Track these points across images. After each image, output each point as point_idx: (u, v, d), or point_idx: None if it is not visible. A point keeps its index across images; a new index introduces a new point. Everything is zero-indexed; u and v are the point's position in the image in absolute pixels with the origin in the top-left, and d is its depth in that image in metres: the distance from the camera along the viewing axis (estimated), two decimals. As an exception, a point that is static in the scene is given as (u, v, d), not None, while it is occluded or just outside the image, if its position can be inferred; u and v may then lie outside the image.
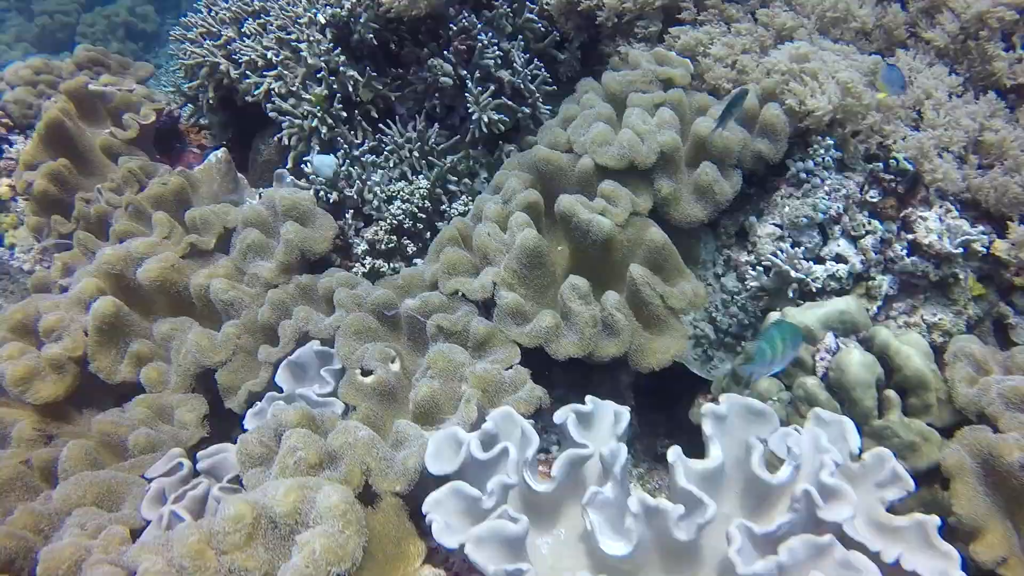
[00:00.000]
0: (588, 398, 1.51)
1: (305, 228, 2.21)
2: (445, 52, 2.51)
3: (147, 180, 2.54)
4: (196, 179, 2.57)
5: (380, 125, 2.56)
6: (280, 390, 1.90)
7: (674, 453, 1.30)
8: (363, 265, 2.32)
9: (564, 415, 1.44)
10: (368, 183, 2.40)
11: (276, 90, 2.44)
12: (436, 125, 2.56)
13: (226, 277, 2.16)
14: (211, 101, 2.71)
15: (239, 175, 2.71)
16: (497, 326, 1.85)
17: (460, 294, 1.95)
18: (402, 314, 1.94)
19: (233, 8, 2.63)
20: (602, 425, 1.47)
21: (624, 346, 1.82)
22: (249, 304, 2.11)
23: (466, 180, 2.57)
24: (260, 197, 2.47)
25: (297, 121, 2.44)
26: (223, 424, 2.08)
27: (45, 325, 2.08)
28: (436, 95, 2.57)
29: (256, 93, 2.48)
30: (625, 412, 1.43)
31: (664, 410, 2.28)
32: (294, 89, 2.45)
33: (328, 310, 2.15)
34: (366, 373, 1.78)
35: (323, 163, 2.35)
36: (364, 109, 2.56)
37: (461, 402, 1.55)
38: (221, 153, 2.63)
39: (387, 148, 2.52)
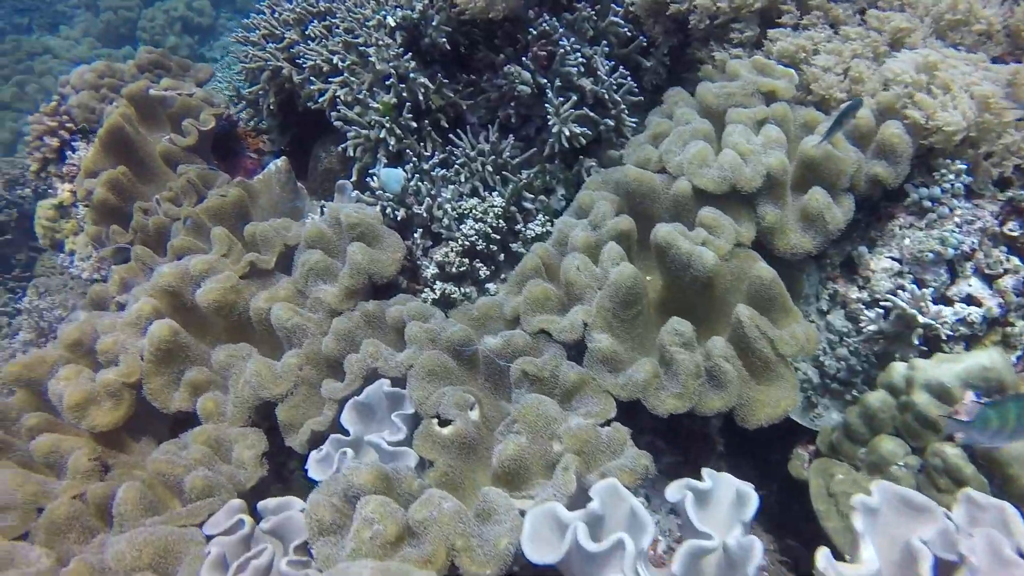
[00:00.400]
0: (706, 472, 1.32)
1: (372, 249, 2.05)
2: (523, 58, 2.32)
3: (205, 190, 2.41)
4: (255, 189, 2.44)
5: (450, 136, 2.39)
6: (346, 432, 1.75)
7: (824, 559, 1.10)
8: (433, 291, 2.15)
9: (679, 493, 1.25)
10: (438, 199, 2.23)
11: (342, 97, 2.28)
12: (511, 136, 2.38)
13: (287, 301, 2.02)
14: (271, 106, 2.57)
15: (298, 184, 2.57)
16: (589, 372, 1.66)
17: (545, 332, 1.77)
18: (481, 354, 1.77)
19: (297, 9, 2.48)
20: (721, 504, 1.28)
21: (731, 400, 1.62)
22: (312, 332, 1.96)
23: (542, 197, 2.38)
24: (322, 211, 2.32)
25: (363, 131, 2.28)
26: (281, 454, 1.95)
27: (102, 347, 1.96)
28: (512, 104, 2.38)
29: (320, 100, 2.32)
30: (752, 495, 1.23)
31: (747, 450, 2.08)
32: (360, 97, 2.28)
33: (396, 339, 1.99)
34: (443, 422, 1.61)
35: (391, 177, 2.19)
36: (433, 118, 2.39)
37: (558, 469, 1.37)
38: (281, 162, 2.48)
39: (458, 161, 2.34)
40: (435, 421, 1.61)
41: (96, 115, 2.72)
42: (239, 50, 2.62)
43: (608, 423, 1.55)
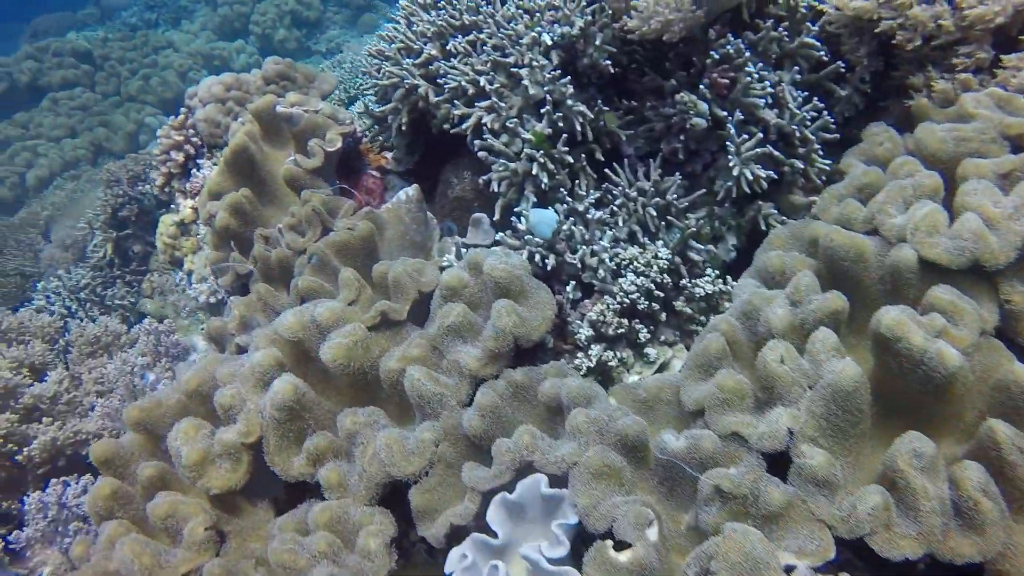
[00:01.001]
0: None
1: (520, 309, 1.78)
2: (700, 85, 1.99)
3: (331, 218, 2.20)
4: (383, 220, 2.21)
5: (605, 170, 2.09)
6: (492, 533, 1.49)
7: None
8: (587, 356, 1.87)
9: None
10: (594, 247, 1.94)
11: (488, 125, 2.01)
12: (677, 175, 2.06)
13: (422, 362, 1.77)
14: (403, 127, 2.34)
15: (428, 214, 2.33)
16: (798, 494, 1.34)
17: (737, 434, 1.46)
18: (656, 451, 1.47)
19: (438, 22, 2.22)
20: None
21: (990, 547, 1.26)
22: (450, 402, 1.71)
23: (710, 246, 2.06)
24: (458, 252, 2.07)
25: (511, 165, 2.01)
26: (402, 521, 1.72)
27: (221, 401, 1.78)
28: (680, 136, 2.06)
29: (463, 127, 2.06)
30: None
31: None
32: (510, 125, 2.01)
33: (547, 416, 1.72)
34: (619, 543, 1.33)
35: (543, 220, 1.91)
36: (587, 149, 2.10)
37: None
38: (412, 192, 2.25)
39: (616, 202, 2.04)
40: (609, 543, 1.33)
41: (221, 130, 2.57)
42: (371, 63, 2.40)
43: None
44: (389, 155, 2.63)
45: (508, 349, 1.76)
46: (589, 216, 1.99)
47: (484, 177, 2.10)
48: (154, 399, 1.88)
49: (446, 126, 2.26)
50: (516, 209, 2.04)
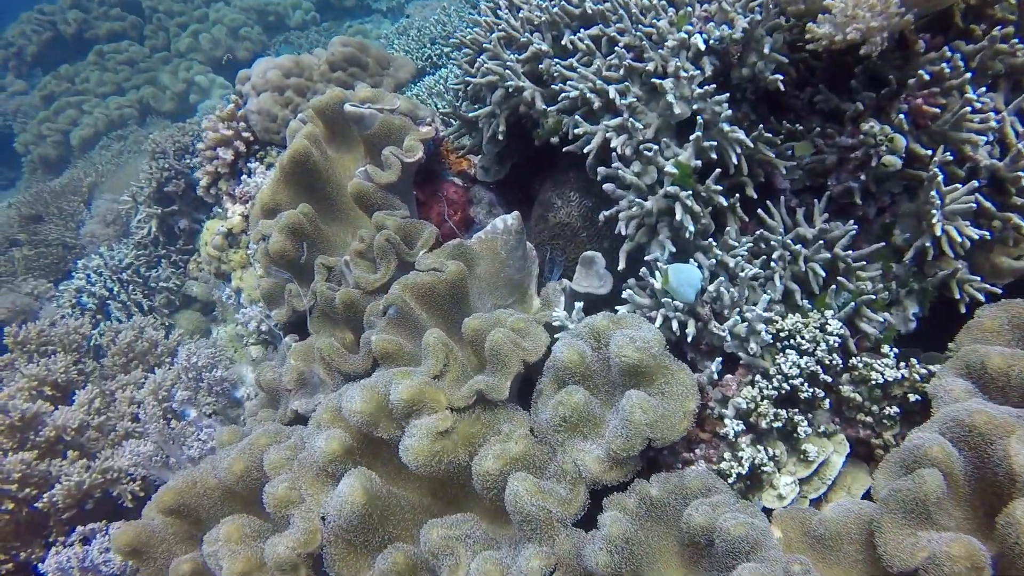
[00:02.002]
0: None
1: (656, 402, 1.38)
2: (897, 112, 1.53)
3: (407, 249, 1.81)
4: (474, 254, 1.81)
5: (759, 212, 1.66)
6: None
7: None
8: (737, 459, 1.45)
9: None
10: (746, 314, 1.52)
11: (618, 149, 1.58)
12: (851, 223, 1.61)
13: (527, 461, 1.39)
14: (500, 135, 1.92)
15: (527, 244, 1.92)
16: None
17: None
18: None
19: (552, 9, 1.78)
20: None
21: None
22: (564, 521, 1.33)
23: (886, 314, 1.61)
24: (567, 302, 1.66)
25: (646, 204, 1.57)
26: None
27: (273, 498, 1.42)
28: (861, 175, 1.60)
29: (585, 150, 1.63)
30: None
31: None
32: (646, 151, 1.58)
33: (691, 548, 1.32)
34: None
35: (687, 281, 1.49)
36: (736, 182, 1.66)
37: None
38: (512, 221, 1.84)
39: (774, 254, 1.61)
40: None
41: (278, 124, 2.18)
42: (462, 56, 1.97)
43: None
44: (475, 159, 2.21)
45: (639, 448, 1.36)
46: (742, 273, 1.56)
47: (607, 213, 1.67)
48: (190, 479, 1.53)
49: (554, 140, 1.84)
50: (647, 257, 1.62)
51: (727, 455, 1.47)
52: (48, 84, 7.03)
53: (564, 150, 1.76)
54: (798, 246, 1.61)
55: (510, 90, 1.85)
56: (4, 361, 2.53)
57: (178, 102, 7.12)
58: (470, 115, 1.93)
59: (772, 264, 1.61)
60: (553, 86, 1.75)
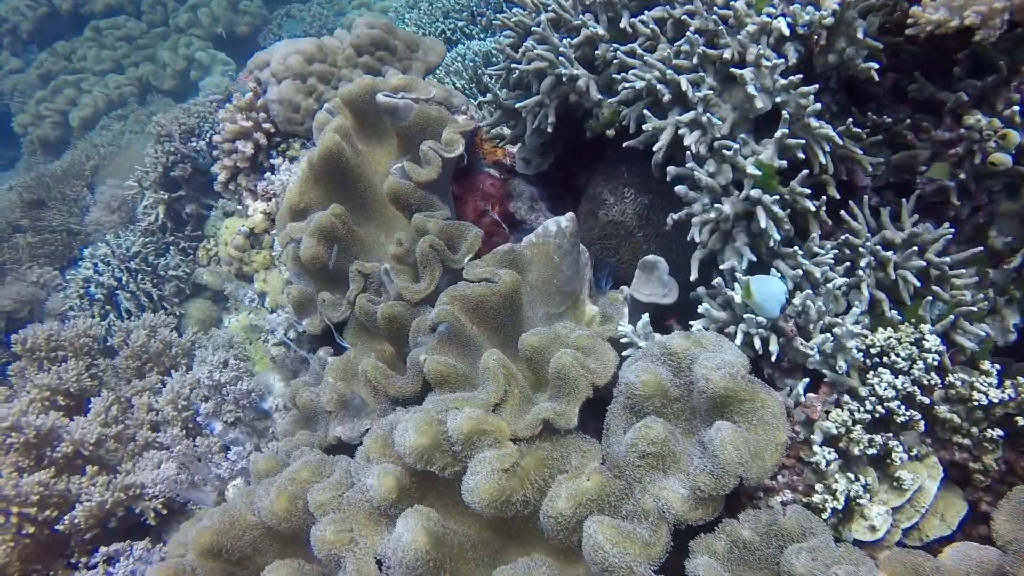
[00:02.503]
0: None
1: (749, 436, 1.24)
2: (1002, 104, 1.37)
3: (451, 255, 1.66)
4: (525, 260, 1.66)
5: (842, 212, 1.50)
6: None
7: None
8: (831, 492, 1.32)
9: None
10: (834, 330, 1.37)
11: (693, 147, 1.42)
12: (947, 225, 1.46)
13: (602, 501, 1.26)
14: (548, 127, 1.75)
15: (582, 247, 1.77)
16: None
17: None
18: None
19: (609, -13, 1.61)
20: None
21: None
22: (647, 567, 1.20)
23: (983, 325, 1.47)
24: (639, 329, 1.51)
25: (724, 208, 1.42)
26: None
27: (321, 542, 1.29)
28: (959, 171, 1.45)
29: (656, 148, 1.47)
30: None
31: None
32: (724, 151, 1.42)
33: (787, 600, 1.19)
34: None
35: (772, 295, 1.34)
36: (818, 181, 1.50)
37: None
38: (567, 224, 1.68)
39: (862, 261, 1.45)
40: None
41: (301, 115, 2.01)
42: (506, 41, 1.80)
43: None
44: (511, 148, 2.04)
45: (729, 489, 1.22)
46: (829, 285, 1.41)
47: (675, 216, 1.51)
48: (227, 518, 1.40)
49: (610, 132, 1.68)
50: (723, 266, 1.47)
51: (818, 487, 1.33)
52: (44, 62, 6.82)
53: (624, 145, 1.60)
54: (887, 252, 1.46)
55: (562, 78, 1.68)
56: (15, 370, 2.40)
57: (179, 79, 6.90)
58: (515, 105, 1.76)
59: (858, 272, 1.46)
60: (612, 74, 1.58)
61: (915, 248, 1.45)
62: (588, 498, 1.25)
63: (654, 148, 1.46)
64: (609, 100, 1.59)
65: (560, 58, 1.64)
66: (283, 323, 1.95)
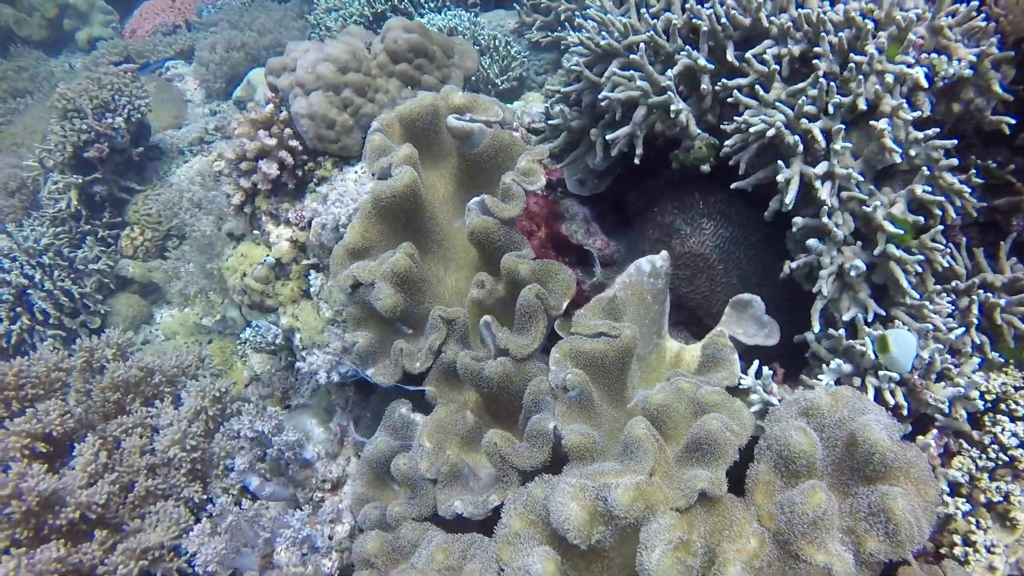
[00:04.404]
0: None
1: (906, 494, 1.25)
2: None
3: (551, 304, 1.55)
4: (622, 305, 1.58)
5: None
6: None
7: None
8: (971, 546, 1.36)
9: None
10: (960, 380, 1.40)
11: (825, 199, 1.38)
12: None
13: (773, 569, 1.23)
14: (636, 158, 1.66)
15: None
16: None
17: None
18: None
19: (717, 19, 1.51)
20: None
21: None
22: (828, 642, 1.19)
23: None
24: (761, 380, 1.47)
25: (858, 265, 1.39)
26: None
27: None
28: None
29: (787, 203, 1.41)
30: None
31: None
32: (867, 209, 1.38)
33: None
34: None
35: (908, 350, 1.34)
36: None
37: None
38: (661, 263, 1.61)
39: (962, 304, 1.48)
40: None
41: (335, 132, 1.78)
42: (582, 56, 1.67)
43: None
44: (557, 164, 1.93)
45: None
46: (952, 335, 1.43)
47: (794, 265, 1.48)
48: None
49: (705, 168, 1.61)
50: (844, 317, 1.45)
51: (955, 538, 1.38)
52: None
53: (733, 186, 1.54)
54: (991, 295, 1.50)
55: (655, 109, 1.58)
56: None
57: (50, 29, 6.11)
58: (608, 137, 1.64)
59: (969, 318, 1.50)
60: (708, 106, 1.51)
61: (1015, 290, 1.50)
62: (757, 562, 1.23)
63: (785, 200, 1.40)
64: (708, 138, 1.52)
65: (661, 90, 1.54)
66: (324, 365, 1.77)
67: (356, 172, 1.81)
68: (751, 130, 1.43)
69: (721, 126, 1.57)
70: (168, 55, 4.91)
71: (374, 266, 1.59)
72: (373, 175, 1.66)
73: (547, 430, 1.37)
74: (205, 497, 2.14)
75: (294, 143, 1.81)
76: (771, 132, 1.40)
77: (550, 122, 1.78)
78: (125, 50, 4.89)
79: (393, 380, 1.61)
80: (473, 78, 2.47)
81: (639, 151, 1.64)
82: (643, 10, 1.61)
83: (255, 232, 1.96)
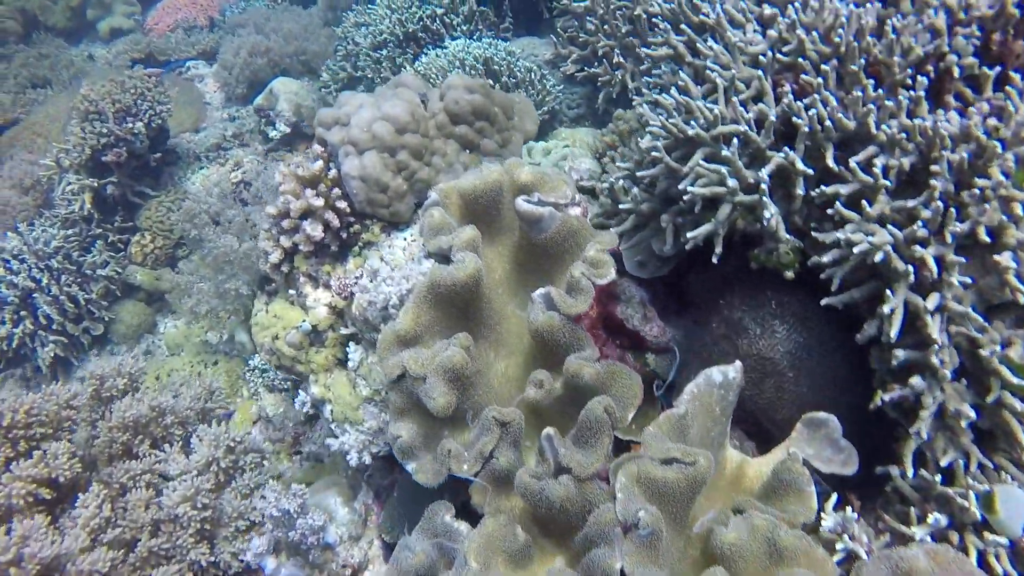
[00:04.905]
0: None
1: None
2: None
3: (617, 418, 1.42)
4: (688, 420, 1.45)
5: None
6: None
7: None
8: None
9: None
10: (1064, 543, 1.28)
11: (935, 336, 1.25)
12: None
13: None
14: (715, 257, 1.53)
15: (728, 388, 1.58)
16: None
17: None
18: None
19: (821, 121, 1.38)
20: None
21: None
22: None
23: None
24: (848, 528, 1.35)
25: (967, 412, 1.27)
26: None
27: None
28: None
29: (893, 337, 1.28)
30: None
31: None
32: (984, 354, 1.25)
33: None
34: None
35: (1017, 509, 1.22)
36: None
37: None
38: (735, 375, 1.49)
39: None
40: None
41: (388, 197, 1.64)
42: (661, 140, 1.54)
43: None
44: (634, 259, 1.80)
45: None
46: (1058, 490, 1.31)
47: (888, 398, 1.35)
48: None
49: (789, 275, 1.49)
50: (943, 462, 1.33)
51: None
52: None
53: (823, 303, 1.42)
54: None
55: (740, 208, 1.46)
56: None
57: (73, 17, 5.96)
58: (688, 235, 1.51)
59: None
60: (797, 208, 1.38)
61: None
62: None
63: (891, 334, 1.28)
64: (792, 238, 1.40)
65: (761, 197, 1.41)
66: (357, 445, 1.64)
67: (406, 239, 1.68)
68: (855, 250, 1.30)
69: (811, 231, 1.45)
70: (190, 55, 4.76)
71: (427, 358, 1.46)
72: (428, 253, 1.53)
73: (613, 570, 1.24)
74: (212, 560, 2.02)
75: (342, 204, 1.67)
76: (879, 256, 1.27)
77: (621, 205, 1.65)
78: (147, 47, 4.74)
79: (436, 482, 1.48)
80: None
81: (718, 250, 1.51)
82: (734, 97, 1.48)
83: (291, 291, 1.82)
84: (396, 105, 1.65)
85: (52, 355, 3.54)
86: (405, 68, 3.45)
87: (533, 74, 2.72)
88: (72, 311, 3.58)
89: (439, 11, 3.57)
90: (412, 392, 1.50)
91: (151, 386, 3.31)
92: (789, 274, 1.49)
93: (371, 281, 1.61)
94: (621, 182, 1.75)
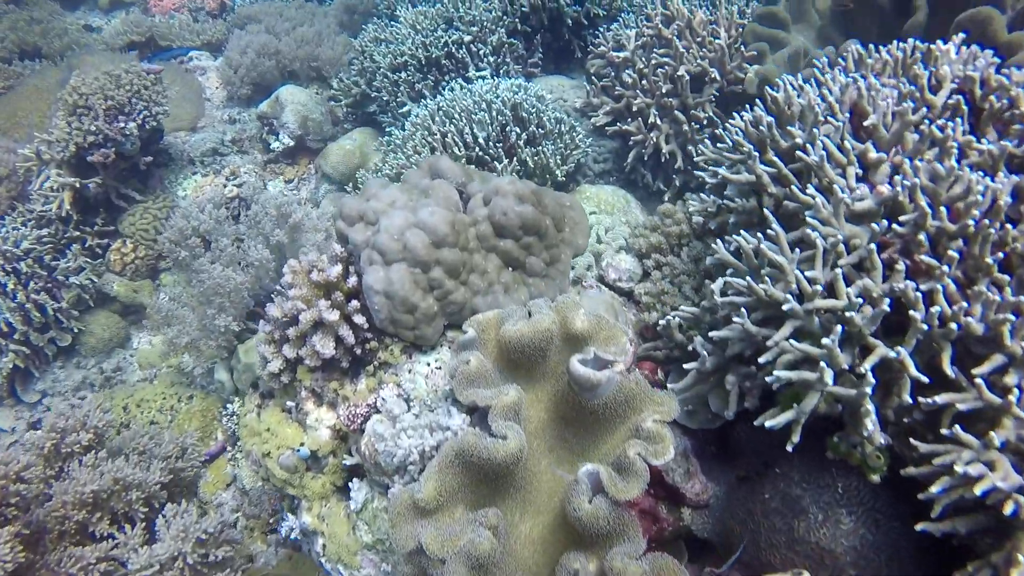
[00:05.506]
0: None
1: None
2: None
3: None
4: None
5: None
6: None
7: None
8: None
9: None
10: None
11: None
12: None
13: None
14: (791, 446, 1.32)
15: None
16: None
17: None
18: None
19: (931, 266, 1.17)
20: None
21: None
22: None
23: None
24: None
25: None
26: None
27: None
28: None
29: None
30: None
31: None
32: None
33: None
34: None
35: None
36: None
37: None
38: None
39: None
40: None
41: (415, 319, 1.39)
42: (733, 302, 1.32)
43: None
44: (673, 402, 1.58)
45: None
46: None
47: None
48: None
49: (874, 478, 1.28)
50: None
51: None
52: None
53: (918, 528, 1.21)
54: None
55: (823, 396, 1.25)
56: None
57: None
58: (767, 423, 1.30)
59: None
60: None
61: None
62: None
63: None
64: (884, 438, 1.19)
65: (855, 390, 1.20)
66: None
67: (429, 365, 1.44)
68: (976, 490, 1.10)
69: (908, 436, 1.24)
70: (194, 44, 4.45)
71: (447, 538, 1.23)
72: (456, 400, 1.30)
73: None
74: None
75: (360, 319, 1.42)
76: (1009, 509, 1.06)
77: (686, 366, 1.42)
78: (149, 30, 4.42)
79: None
80: (531, 163, 2.15)
81: (796, 439, 1.30)
82: (836, 270, 1.27)
83: (289, 403, 1.58)
84: (435, 213, 1.39)
85: (11, 366, 3.26)
86: (425, 97, 3.20)
87: (563, 125, 2.52)
88: (38, 320, 3.29)
89: (467, 39, 3.33)
90: (426, 569, 1.28)
91: (117, 417, 3.05)
92: (875, 478, 1.28)
93: (387, 426, 1.37)
94: (677, 319, 1.54)
